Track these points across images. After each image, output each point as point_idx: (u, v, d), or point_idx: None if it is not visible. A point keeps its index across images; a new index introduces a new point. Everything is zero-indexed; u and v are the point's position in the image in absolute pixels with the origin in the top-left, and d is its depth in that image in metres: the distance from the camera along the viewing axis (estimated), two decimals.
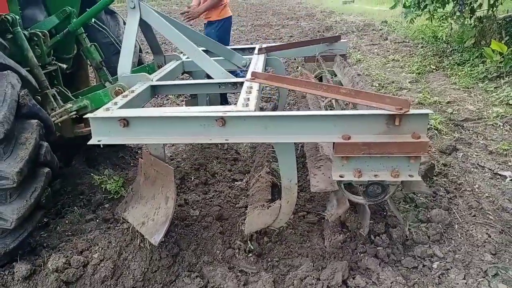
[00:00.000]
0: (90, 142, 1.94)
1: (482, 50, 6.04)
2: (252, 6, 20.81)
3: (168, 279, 2.38)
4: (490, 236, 2.56)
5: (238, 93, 2.33)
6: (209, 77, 2.88)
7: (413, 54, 7.61)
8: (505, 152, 3.66)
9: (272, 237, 2.68)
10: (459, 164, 3.51)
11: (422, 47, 8.07)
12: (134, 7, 2.71)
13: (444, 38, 7.18)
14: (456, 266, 2.33)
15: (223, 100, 4.52)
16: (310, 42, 3.82)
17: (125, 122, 1.90)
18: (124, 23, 3.68)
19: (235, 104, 2.12)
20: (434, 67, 6.65)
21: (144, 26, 2.96)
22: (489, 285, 2.17)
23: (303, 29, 12.16)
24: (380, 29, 10.89)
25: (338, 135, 1.84)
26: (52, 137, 2.44)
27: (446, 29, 7.23)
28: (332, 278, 2.17)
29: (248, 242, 2.55)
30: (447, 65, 6.58)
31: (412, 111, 1.79)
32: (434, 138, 4.03)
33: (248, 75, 2.47)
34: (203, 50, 3.38)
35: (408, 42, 8.84)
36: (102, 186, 3.16)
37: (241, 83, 2.41)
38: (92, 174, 3.30)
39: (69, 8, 3.12)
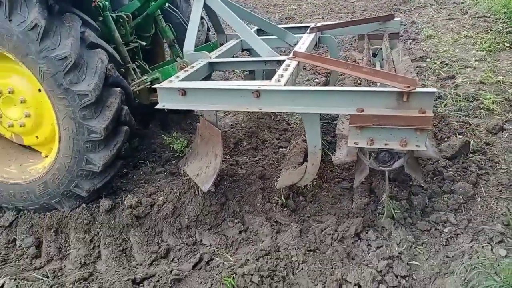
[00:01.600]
0: (157, 107, 2.49)
1: None
2: None
3: (215, 222, 2.93)
4: (509, 210, 2.72)
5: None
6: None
7: (490, 30, 7.24)
8: None
9: (307, 197, 3.09)
10: (502, 143, 3.57)
11: (503, 22, 7.62)
12: None
13: None
14: (466, 233, 2.57)
15: None
16: (363, 21, 4.02)
17: (183, 92, 2.41)
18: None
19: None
20: (508, 45, 6.33)
21: (208, 9, 3.42)
22: (491, 250, 2.40)
23: (379, 1, 11.82)
24: (462, 2, 10.27)
25: (353, 108, 2.18)
26: (131, 103, 3.05)
27: None
28: (347, 230, 2.55)
29: (285, 198, 2.99)
30: None
31: (418, 89, 2.06)
32: (484, 117, 4.07)
33: (291, 54, 2.84)
34: (258, 29, 3.78)
35: (489, 17, 8.33)
36: (171, 145, 3.78)
37: (283, 61, 2.80)
38: (163, 136, 3.94)
39: None
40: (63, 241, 2.90)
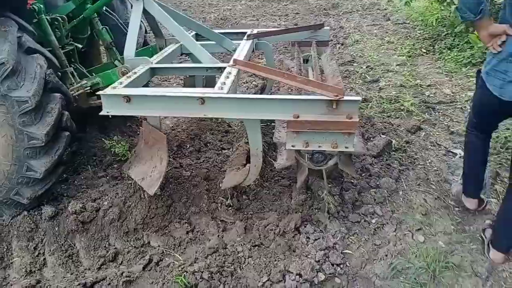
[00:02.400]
0: (101, 113, 2.52)
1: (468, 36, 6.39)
2: None
3: (162, 224, 3.00)
4: (426, 201, 3.12)
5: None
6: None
7: (409, 37, 7.94)
8: (464, 133, 4.14)
9: (249, 196, 3.27)
10: (419, 142, 4.03)
11: (420, 29, 8.37)
12: None
13: (434, 23, 7.48)
14: (391, 223, 2.91)
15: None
16: (296, 29, 4.27)
17: (128, 98, 2.47)
18: (132, 7, 4.21)
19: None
20: (424, 51, 7.02)
21: (147, 14, 3.46)
22: (412, 237, 2.75)
23: (310, 5, 12.36)
24: (385, 9, 11.08)
25: (290, 114, 2.39)
26: (71, 107, 3.02)
27: (437, 14, 7.53)
28: (288, 225, 2.77)
29: (229, 198, 3.15)
30: (437, 49, 6.93)
31: (345, 97, 2.31)
32: (404, 118, 4.53)
33: (231, 61, 3.00)
34: (196, 34, 3.88)
35: (408, 24, 9.11)
36: (112, 149, 3.76)
37: (224, 68, 2.94)
38: (103, 139, 3.91)
39: None
40: (5, 250, 2.82)
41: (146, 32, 4.36)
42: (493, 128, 2.72)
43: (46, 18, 3.23)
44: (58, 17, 3.40)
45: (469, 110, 2.88)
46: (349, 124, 2.34)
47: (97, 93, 2.54)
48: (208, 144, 4.05)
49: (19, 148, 2.69)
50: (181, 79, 5.80)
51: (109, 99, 2.49)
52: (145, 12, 3.29)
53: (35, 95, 2.59)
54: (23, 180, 2.79)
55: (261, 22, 10.20)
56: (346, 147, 2.43)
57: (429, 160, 3.71)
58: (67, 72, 3.24)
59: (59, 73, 3.16)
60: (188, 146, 4.00)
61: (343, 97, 2.30)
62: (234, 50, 3.73)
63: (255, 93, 4.82)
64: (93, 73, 3.66)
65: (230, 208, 3.12)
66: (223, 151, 3.90)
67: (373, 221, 2.92)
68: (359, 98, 2.33)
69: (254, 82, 5.75)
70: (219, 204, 3.15)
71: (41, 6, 3.17)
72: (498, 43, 2.20)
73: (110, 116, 2.56)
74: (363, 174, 3.41)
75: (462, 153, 3.71)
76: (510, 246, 2.53)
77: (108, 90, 2.52)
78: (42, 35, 3.15)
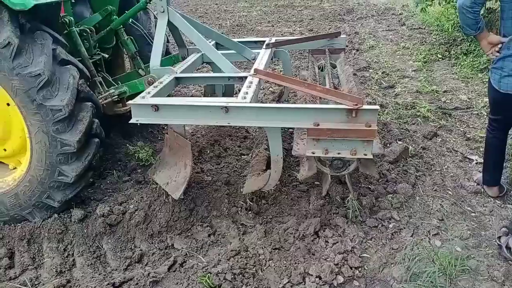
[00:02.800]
0: (131, 121, 2.66)
1: None
2: None
3: (185, 227, 3.13)
4: (442, 207, 3.18)
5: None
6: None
7: (424, 42, 7.97)
8: (480, 139, 4.19)
9: (268, 200, 3.37)
10: (436, 148, 4.08)
11: (436, 34, 8.38)
12: (163, 11, 3.36)
13: (450, 29, 7.49)
14: (408, 227, 2.98)
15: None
16: (314, 38, 4.38)
17: (156, 107, 2.60)
18: (155, 18, 4.37)
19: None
20: (440, 56, 7.05)
21: (171, 25, 3.60)
22: (428, 241, 2.82)
23: (325, 11, 12.45)
24: (400, 14, 11.11)
25: (310, 122, 2.49)
26: (100, 115, 3.17)
27: (453, 20, 7.54)
28: (307, 229, 2.86)
29: (249, 202, 3.25)
30: (453, 54, 6.95)
31: (365, 106, 2.41)
32: (421, 124, 4.59)
33: (251, 71, 3.12)
34: (216, 43, 4.01)
35: (424, 29, 9.13)
36: (136, 154, 3.91)
37: (245, 77, 3.06)
38: (127, 145, 4.06)
39: (110, 7, 3.79)
40: (36, 251, 2.97)
41: (167, 41, 4.51)
42: (509, 124, 3.07)
43: (76, 30, 3.40)
44: (87, 29, 3.56)
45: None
46: (368, 132, 2.43)
47: (127, 102, 2.68)
48: (228, 150, 4.17)
49: (52, 154, 2.85)
50: (200, 86, 5.96)
51: (138, 108, 2.63)
52: (169, 23, 3.44)
53: (69, 104, 2.75)
54: (55, 184, 2.95)
55: (276, 28, 10.32)
56: (365, 154, 2.52)
57: (446, 166, 3.76)
58: (96, 81, 3.40)
59: (89, 82, 3.32)
60: (208, 151, 4.12)
61: (362, 106, 2.39)
62: (254, 59, 3.85)
63: (272, 100, 4.94)
64: (119, 82, 3.82)
65: (249, 212, 3.22)
66: (242, 156, 4.01)
67: (390, 225, 2.99)
68: (377, 107, 2.42)
69: (270, 89, 5.86)
70: (239, 208, 3.25)
71: (72, 18, 3.34)
72: (496, 50, 2.77)
73: (138, 124, 2.69)
74: (380, 180, 3.48)
75: (479, 159, 3.76)
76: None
77: (138, 100, 2.66)
78: (73, 46, 3.31)
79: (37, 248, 3.00)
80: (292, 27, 10.38)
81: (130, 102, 2.64)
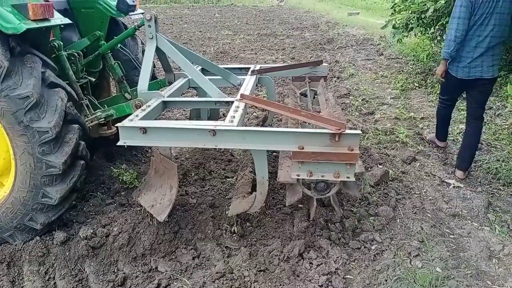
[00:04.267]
0: (118, 144, 2.69)
1: None
2: (261, 13, 21.53)
3: (169, 250, 3.12)
4: (422, 229, 3.27)
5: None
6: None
7: (401, 71, 8.29)
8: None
9: (253, 223, 3.40)
10: (415, 172, 4.22)
11: (412, 64, 8.74)
12: (152, 38, 3.45)
13: (425, 59, 7.85)
14: (390, 249, 3.05)
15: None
16: (297, 65, 4.53)
17: (144, 130, 2.65)
18: (142, 43, 4.46)
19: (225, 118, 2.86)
20: (417, 85, 7.34)
21: (159, 51, 3.69)
22: (410, 262, 2.89)
23: (306, 40, 12.83)
24: (378, 44, 11.55)
25: (295, 146, 2.58)
26: (86, 137, 3.19)
27: (428, 50, 7.91)
28: (292, 251, 2.90)
29: (234, 225, 3.27)
30: (429, 83, 7.25)
31: (347, 131, 2.51)
32: (399, 149, 4.74)
33: (238, 96, 3.21)
34: (202, 69, 4.11)
35: (401, 59, 9.51)
36: (120, 177, 3.91)
37: (232, 102, 3.15)
38: (111, 168, 4.06)
39: (99, 32, 3.87)
40: (16, 274, 2.90)
41: (154, 66, 4.59)
42: (456, 100, 4.57)
43: (64, 54, 3.44)
44: (75, 53, 3.62)
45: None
46: (350, 155, 2.52)
47: (116, 125, 2.71)
48: (212, 173, 4.21)
49: (37, 176, 2.83)
50: (185, 111, 6.02)
51: (126, 130, 2.67)
52: (157, 49, 3.52)
53: (56, 126, 2.76)
54: (38, 206, 2.92)
55: (259, 55, 10.57)
56: (348, 177, 2.61)
57: (425, 190, 3.89)
58: (83, 104, 3.43)
59: (76, 105, 3.34)
60: (193, 174, 4.15)
61: (345, 131, 2.49)
62: (239, 85, 3.96)
63: (257, 125, 5.03)
64: (105, 105, 3.86)
65: (234, 234, 3.24)
66: (227, 179, 4.05)
67: (373, 247, 3.06)
68: (359, 132, 2.53)
69: (254, 114, 5.97)
70: (224, 231, 3.27)
71: (61, 43, 3.39)
72: (443, 75, 4.16)
73: (125, 146, 2.72)
74: (362, 203, 3.56)
75: (456, 183, 3.91)
76: (467, 167, 4.12)
77: (126, 123, 2.70)
78: (61, 69, 3.35)
79: (17, 271, 2.94)
80: (274, 55, 10.64)
81: (118, 124, 2.68)
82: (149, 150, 4.82)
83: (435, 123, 4.79)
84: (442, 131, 4.72)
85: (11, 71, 2.67)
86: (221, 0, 28.97)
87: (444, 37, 7.31)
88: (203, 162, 4.38)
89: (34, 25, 2.72)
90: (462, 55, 3.89)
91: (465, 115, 4.27)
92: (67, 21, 3.13)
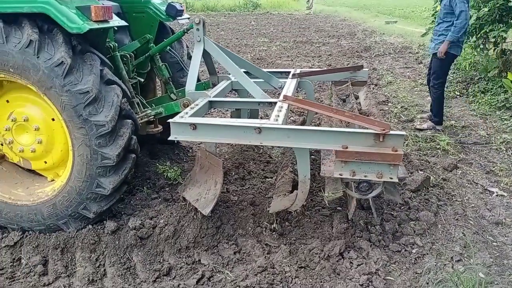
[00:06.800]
0: (169, 138, 2.84)
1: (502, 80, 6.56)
2: (296, 21, 21.65)
3: (211, 244, 3.23)
4: (464, 235, 3.24)
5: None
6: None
7: None
8: (499, 172, 4.27)
9: (292, 223, 3.47)
10: (456, 179, 4.16)
11: (453, 73, 8.56)
12: (199, 40, 3.61)
13: (467, 68, 7.68)
14: (431, 253, 3.03)
15: None
16: (337, 70, 4.59)
17: (194, 126, 2.78)
18: (187, 46, 4.65)
19: (269, 118, 2.96)
20: (458, 93, 7.20)
21: (205, 53, 3.85)
22: (452, 267, 2.87)
23: (343, 48, 12.81)
24: (417, 52, 11.38)
25: (339, 145, 2.63)
26: (138, 133, 3.36)
27: (470, 59, 7.74)
28: (332, 250, 2.94)
29: (274, 223, 3.35)
30: (470, 92, 7.10)
31: (392, 132, 2.55)
32: (440, 157, 4.68)
33: (281, 97, 3.30)
34: (246, 72, 4.24)
35: None
36: (164, 173, 4.07)
37: (275, 103, 3.24)
38: (156, 164, 4.23)
39: (149, 35, 4.08)
40: (69, 260, 3.09)
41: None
42: None
43: (118, 55, 3.65)
44: (127, 54, 3.82)
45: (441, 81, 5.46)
46: (394, 156, 2.55)
47: (168, 120, 2.86)
48: (252, 173, 4.31)
49: (92, 167, 3.02)
50: (223, 112, 6.18)
51: (177, 126, 2.82)
52: (204, 52, 3.67)
53: (112, 120, 2.95)
54: (92, 195, 3.10)
55: (296, 62, 10.65)
56: (391, 178, 2.63)
57: (467, 197, 3.83)
58: (134, 102, 3.62)
59: (129, 103, 3.53)
60: (233, 173, 4.26)
61: (389, 131, 2.53)
62: (280, 87, 4.05)
63: None
64: (153, 104, 4.04)
65: (274, 232, 3.32)
66: (266, 179, 4.14)
67: (414, 251, 3.05)
68: (404, 133, 2.56)
69: (291, 118, 6.04)
70: (264, 229, 3.35)
71: (116, 44, 3.61)
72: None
73: (176, 141, 2.86)
74: (402, 207, 3.56)
75: (499, 192, 3.83)
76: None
77: (177, 119, 2.85)
78: (115, 69, 3.56)
79: (70, 257, 3.12)
80: (311, 61, 10.69)
81: (170, 120, 2.83)
82: (190, 150, 4.98)
83: (429, 115, 5.63)
84: (442, 114, 5.58)
85: (73, 67, 2.87)
86: (257, 8, 29.33)
87: (481, 43, 7.30)
88: (243, 163, 4.48)
89: (96, 25, 2.91)
90: (462, 37, 5.13)
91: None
92: (123, 23, 3.33)
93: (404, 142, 5.00)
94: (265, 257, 3.05)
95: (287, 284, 2.73)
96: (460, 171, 4.34)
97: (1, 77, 3.01)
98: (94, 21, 2.94)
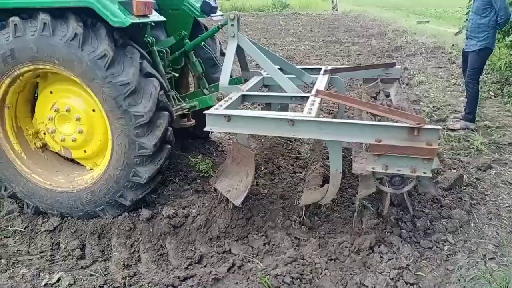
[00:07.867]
0: (205, 129, 2.92)
1: None
2: (325, 21, 21.53)
3: (242, 235, 3.29)
4: (498, 234, 3.18)
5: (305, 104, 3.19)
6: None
7: None
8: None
9: (321, 217, 3.50)
10: (490, 179, 4.07)
11: (487, 73, 8.34)
12: (234, 36, 3.68)
13: (502, 68, 7.48)
14: (463, 251, 3.00)
15: None
16: (369, 67, 4.58)
17: (228, 118, 2.86)
18: (220, 43, 4.74)
19: (301, 111, 3.00)
20: (492, 94, 7.03)
21: (238, 49, 3.92)
22: (484, 265, 2.83)
23: (373, 47, 12.66)
24: (449, 52, 11.12)
25: (372, 138, 2.64)
26: (173, 125, 3.47)
27: (505, 59, 7.52)
28: (362, 244, 2.95)
29: (303, 217, 3.39)
30: (505, 93, 6.91)
31: (426, 126, 2.54)
32: (474, 156, 4.59)
33: (313, 92, 3.33)
34: (278, 68, 4.29)
35: None
36: (196, 166, 4.17)
37: (307, 97, 3.28)
38: (188, 157, 4.34)
39: (184, 32, 4.19)
40: (105, 245, 3.23)
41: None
42: None
43: (155, 50, 3.77)
44: (163, 49, 3.94)
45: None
46: (429, 150, 2.55)
47: (204, 112, 2.95)
48: (281, 168, 4.35)
49: (130, 156, 3.14)
50: (251, 106, 6.25)
51: (212, 118, 2.90)
52: (237, 47, 3.75)
53: (150, 111, 3.06)
54: (129, 184, 3.23)
55: (325, 61, 10.61)
56: (425, 172, 2.63)
57: (501, 197, 3.75)
58: (170, 95, 3.73)
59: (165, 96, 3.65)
60: (262, 168, 4.31)
61: (424, 125, 2.53)
62: (311, 84, 4.08)
63: None
64: (186, 99, 4.15)
65: (303, 226, 3.35)
66: (295, 174, 4.18)
67: (445, 248, 3.02)
68: (439, 127, 2.55)
69: (321, 115, 6.04)
70: (293, 222, 3.39)
71: (153, 39, 3.73)
72: None
73: (210, 132, 2.94)
74: (434, 205, 3.52)
75: None
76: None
77: (212, 111, 2.93)
78: (152, 63, 3.68)
79: (106, 243, 3.26)
80: (340, 61, 10.64)
81: (206, 112, 2.92)
82: (220, 145, 5.07)
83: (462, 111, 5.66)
84: (475, 111, 5.57)
85: (115, 60, 3.00)
86: (285, 8, 29.32)
87: None
88: (272, 158, 4.53)
89: (137, 20, 3.03)
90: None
91: None
92: (162, 18, 3.45)
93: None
94: (294, 249, 3.09)
95: (317, 275, 2.76)
96: (494, 171, 4.25)
97: (46, 69, 3.17)
98: (135, 16, 3.06)
